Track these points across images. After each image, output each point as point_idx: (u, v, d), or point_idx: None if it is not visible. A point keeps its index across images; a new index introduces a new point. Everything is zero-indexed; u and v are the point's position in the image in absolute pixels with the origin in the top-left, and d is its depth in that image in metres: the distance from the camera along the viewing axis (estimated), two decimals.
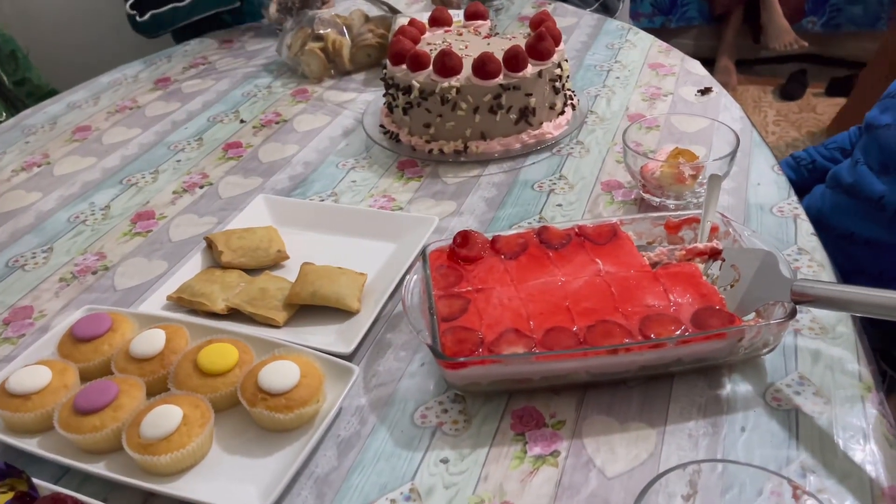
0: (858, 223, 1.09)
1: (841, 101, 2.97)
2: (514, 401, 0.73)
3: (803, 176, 1.34)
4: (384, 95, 1.21)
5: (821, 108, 3.06)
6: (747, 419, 0.69)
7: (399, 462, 0.68)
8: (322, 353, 0.75)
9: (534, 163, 1.12)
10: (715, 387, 0.72)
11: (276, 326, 0.82)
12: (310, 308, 0.84)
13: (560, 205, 1.02)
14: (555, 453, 0.67)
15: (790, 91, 3.15)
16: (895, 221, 1.04)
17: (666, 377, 0.73)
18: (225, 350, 0.73)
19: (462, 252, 0.82)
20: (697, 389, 0.72)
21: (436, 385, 0.75)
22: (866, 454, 0.65)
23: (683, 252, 0.81)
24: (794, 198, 0.99)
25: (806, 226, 0.94)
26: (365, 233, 0.96)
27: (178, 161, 1.20)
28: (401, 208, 1.03)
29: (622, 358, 0.69)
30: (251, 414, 0.69)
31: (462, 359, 0.69)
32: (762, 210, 0.97)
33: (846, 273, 0.93)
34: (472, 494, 0.64)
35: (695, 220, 0.85)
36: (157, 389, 0.72)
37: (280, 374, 0.69)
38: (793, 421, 0.68)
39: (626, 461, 0.66)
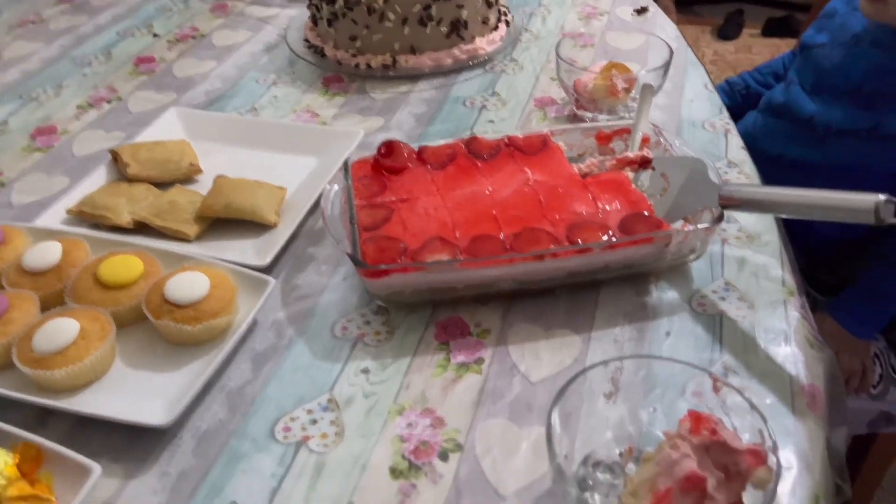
0: (788, 145, 1.09)
1: (776, 41, 3.00)
2: (439, 311, 0.70)
3: (737, 101, 1.33)
4: (308, 7, 1.14)
5: (756, 49, 3.09)
6: (672, 324, 0.68)
7: (317, 373, 0.65)
8: (236, 265, 0.70)
9: (466, 79, 1.08)
10: (642, 294, 0.71)
11: (187, 240, 0.77)
12: (224, 223, 0.79)
13: (492, 121, 0.98)
14: (479, 361, 0.65)
15: (727, 31, 3.17)
16: (824, 142, 1.04)
17: (593, 285, 0.72)
18: (128, 262, 0.68)
19: (386, 163, 0.78)
20: (624, 297, 0.71)
21: (358, 298, 0.72)
22: (788, 355, 0.65)
23: (614, 161, 0.79)
24: (726, 114, 0.98)
25: (736, 140, 0.93)
26: (285, 147, 0.90)
27: (84, 75, 1.11)
28: (325, 124, 0.98)
29: (549, 264, 0.67)
30: (157, 327, 0.65)
31: (383, 266, 0.66)
32: (694, 126, 0.96)
33: None
34: (393, 403, 0.62)
35: (626, 131, 0.83)
36: (54, 304, 0.67)
37: (188, 286, 0.65)
38: (717, 325, 0.68)
39: (550, 366, 0.64)
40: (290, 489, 0.55)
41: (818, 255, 1.21)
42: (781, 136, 1.11)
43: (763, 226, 0.79)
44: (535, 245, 0.67)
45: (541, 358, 0.65)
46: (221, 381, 0.64)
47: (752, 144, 1.06)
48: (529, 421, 0.60)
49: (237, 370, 0.65)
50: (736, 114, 1.18)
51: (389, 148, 0.78)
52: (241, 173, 0.83)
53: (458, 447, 0.58)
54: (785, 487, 0.54)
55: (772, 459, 0.47)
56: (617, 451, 0.56)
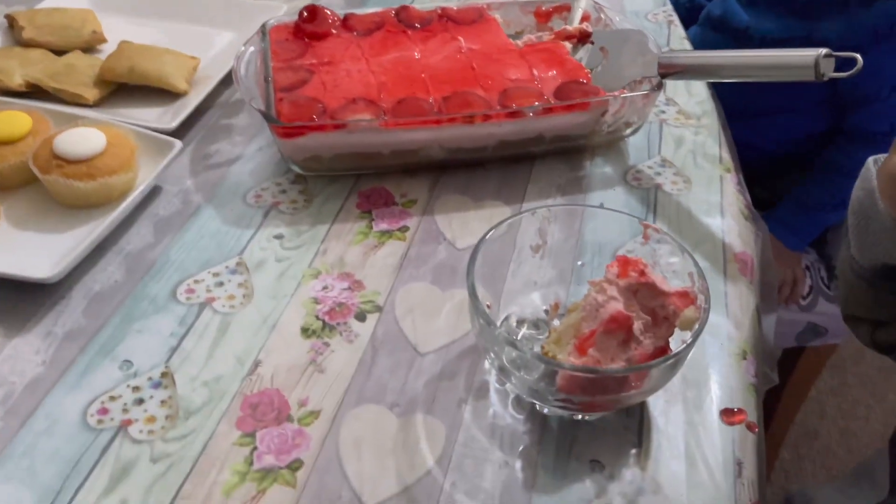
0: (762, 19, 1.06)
1: None
2: (362, 182, 0.66)
3: (682, 16, 1.30)
4: None
5: None
6: (605, 196, 0.65)
7: (226, 238, 0.60)
8: (138, 126, 0.64)
9: None
10: (576, 169, 0.68)
11: (87, 105, 0.70)
12: (129, 91, 0.72)
13: None
14: (403, 228, 0.61)
15: None
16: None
17: (526, 159, 0.68)
18: (15, 118, 0.61)
19: (308, 28, 0.72)
20: (558, 171, 0.68)
21: (275, 167, 0.67)
22: (721, 225, 0.63)
23: (552, 35, 0.75)
24: (669, 6, 0.95)
25: (679, 31, 0.91)
26: (202, 20, 0.83)
27: None
28: None
29: (479, 130, 0.63)
30: (47, 186, 0.59)
31: (299, 123, 0.60)
32: (637, 16, 0.93)
33: None
34: (307, 267, 0.57)
35: (566, 8, 0.79)
36: None
37: (81, 140, 0.59)
38: (652, 198, 0.65)
39: (478, 234, 0.60)
40: (191, 347, 0.51)
41: (754, 171, 1.20)
42: (720, 48, 1.08)
43: (702, 108, 0.77)
44: (465, 108, 0.63)
45: (469, 227, 0.62)
46: (119, 244, 0.59)
47: (727, 19, 1.03)
48: (453, 284, 0.56)
49: (137, 234, 0.60)
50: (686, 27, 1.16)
51: (312, 12, 0.73)
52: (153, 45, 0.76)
53: (377, 308, 0.54)
54: (713, 343, 0.52)
55: (700, 299, 0.45)
56: (543, 309, 0.53)
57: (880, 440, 1.51)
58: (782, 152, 1.13)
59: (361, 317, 0.54)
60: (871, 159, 0.50)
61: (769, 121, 1.09)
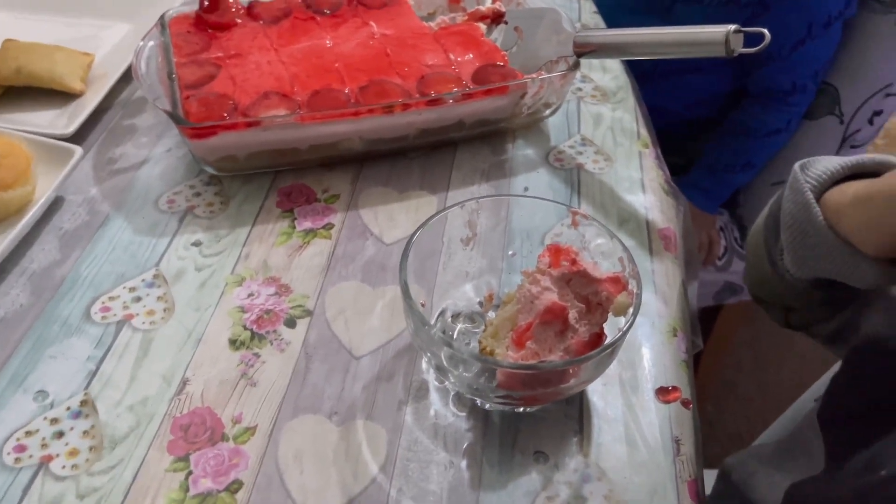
0: (639, 16, 1.08)
1: None
2: (281, 179, 0.63)
3: None
4: None
5: None
6: (529, 180, 0.65)
7: (140, 249, 0.56)
8: (32, 134, 0.59)
9: None
10: (498, 153, 0.68)
11: None
12: (18, 94, 0.67)
13: None
14: (328, 226, 0.59)
15: None
16: (672, 10, 1.03)
17: (448, 146, 0.67)
18: None
19: (211, 18, 0.68)
20: (481, 156, 0.67)
21: (186, 169, 0.64)
22: (643, 202, 0.64)
23: (466, 16, 0.73)
24: None
25: (589, 5, 0.91)
26: (92, 11, 0.78)
27: None
28: None
29: (399, 119, 0.62)
30: None
31: (210, 123, 0.57)
32: None
33: None
34: (230, 274, 0.55)
35: None
36: None
37: None
38: (574, 178, 0.65)
39: (405, 227, 0.60)
40: (111, 370, 0.48)
41: (667, 138, 1.23)
42: (633, 11, 1.09)
43: (617, 84, 0.78)
44: (383, 98, 0.61)
45: (395, 219, 0.60)
46: (22, 264, 0.54)
47: (608, 21, 1.04)
48: (384, 281, 0.55)
49: (41, 251, 0.56)
50: None
51: (214, 1, 0.69)
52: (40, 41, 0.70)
53: (307, 313, 0.53)
54: (645, 322, 0.53)
55: (632, 284, 0.45)
56: (477, 301, 0.53)
57: (794, 388, 1.60)
58: (691, 115, 1.16)
59: (291, 323, 0.52)
60: (797, 166, 0.47)
61: (676, 81, 1.11)
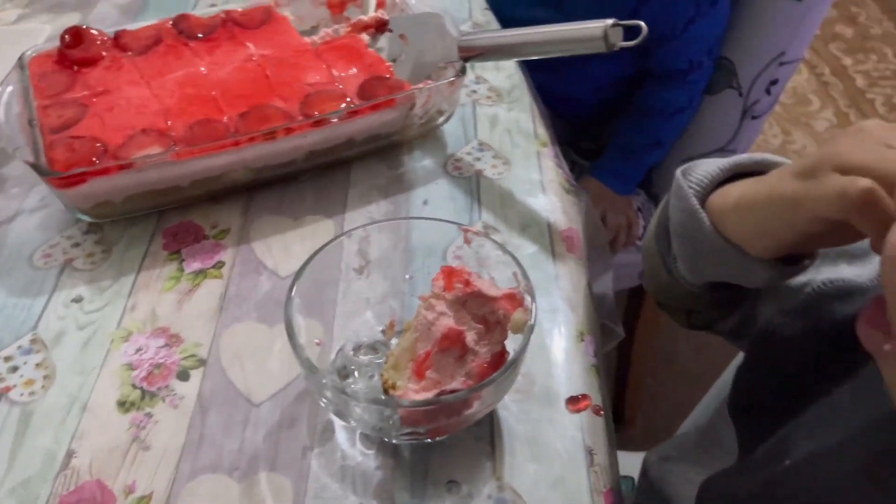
0: (532, 7, 1.07)
1: None
2: (166, 218, 0.60)
3: None
4: None
5: None
6: (429, 192, 0.63)
7: (14, 312, 0.53)
8: None
9: None
10: (395, 167, 0.66)
11: None
12: None
13: (214, 5, 0.86)
14: (218, 265, 0.57)
15: None
16: (560, 2, 1.03)
17: (342, 165, 0.65)
18: None
19: (74, 53, 0.64)
20: (376, 172, 0.65)
21: (62, 219, 0.60)
22: (544, 204, 0.63)
23: (349, 28, 0.71)
24: None
25: (480, 2, 0.89)
26: None
27: None
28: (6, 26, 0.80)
29: (284, 144, 0.59)
30: None
31: (78, 171, 0.54)
32: None
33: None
34: (116, 329, 0.52)
35: None
36: None
37: None
38: (474, 186, 0.64)
39: (301, 257, 0.56)
40: None
41: (578, 124, 1.23)
42: (524, 4, 1.08)
43: (512, 82, 0.76)
44: (264, 124, 0.59)
45: (290, 250, 0.58)
46: None
47: (500, 12, 1.03)
48: (282, 318, 0.52)
49: None
50: None
51: (76, 36, 0.65)
52: None
53: (201, 362, 0.50)
54: (552, 327, 0.52)
55: (527, 300, 0.44)
56: (379, 329, 0.51)
57: (727, 349, 1.64)
58: (599, 100, 1.16)
59: (184, 375, 0.49)
60: (678, 172, 0.46)
61: (581, 68, 1.11)
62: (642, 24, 0.56)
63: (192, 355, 0.50)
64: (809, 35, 1.02)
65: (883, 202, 0.31)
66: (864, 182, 0.32)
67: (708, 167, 0.44)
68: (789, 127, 2.17)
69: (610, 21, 0.55)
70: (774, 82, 1.05)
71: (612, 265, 0.81)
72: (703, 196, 0.43)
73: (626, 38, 0.57)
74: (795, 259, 0.41)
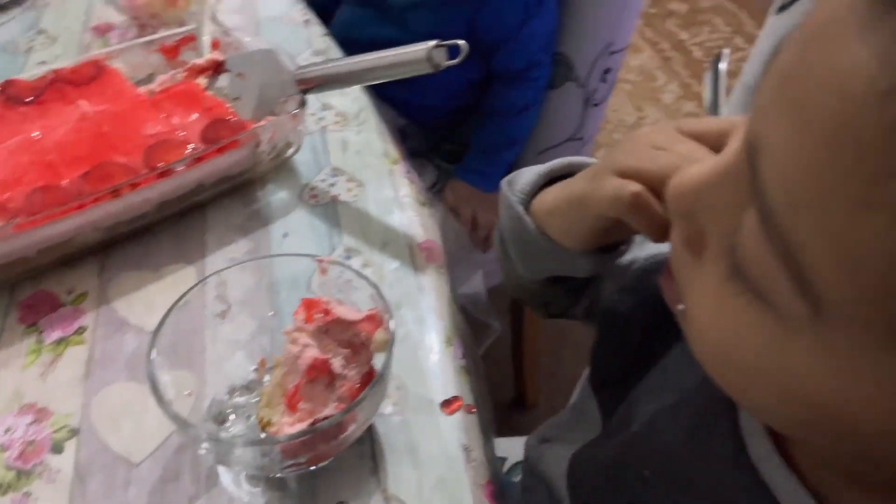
0: (376, 27, 1.10)
1: None
2: (19, 291, 0.59)
3: (328, 1, 1.32)
4: None
5: None
6: (288, 224, 0.65)
7: None
8: None
9: (2, 22, 0.90)
10: (250, 203, 0.67)
11: None
12: None
13: (44, 62, 0.83)
14: (79, 330, 0.56)
15: None
16: (403, 17, 1.07)
17: (196, 210, 0.65)
18: None
19: None
20: (233, 211, 0.66)
21: None
22: (401, 220, 0.65)
23: (185, 73, 0.71)
24: (302, 4, 0.95)
25: (318, 29, 0.91)
26: None
27: None
28: None
29: (132, 198, 0.59)
30: None
31: None
32: (274, 22, 0.92)
33: None
34: None
35: (191, 39, 0.75)
36: None
37: None
38: (332, 212, 0.66)
39: (166, 309, 0.57)
40: None
41: (438, 130, 1.27)
42: (369, 22, 1.12)
43: (359, 105, 0.79)
44: (108, 182, 0.58)
45: (154, 303, 0.58)
46: None
47: (348, 34, 1.05)
48: None
49: None
50: (332, 11, 1.17)
51: None
52: None
53: (73, 432, 0.49)
54: (421, 337, 0.55)
55: (387, 319, 0.47)
56: (252, 369, 0.52)
57: None
58: (454, 105, 1.21)
59: (58, 448, 0.49)
60: (503, 183, 0.50)
61: (432, 78, 1.15)
62: (461, 43, 0.59)
63: (64, 426, 0.50)
64: (632, 24, 1.10)
65: (649, 204, 0.36)
66: (634, 187, 0.36)
67: (528, 175, 0.48)
68: (640, 103, 2.31)
69: (432, 43, 0.59)
70: (608, 70, 1.13)
71: (479, 265, 0.85)
72: (528, 202, 0.47)
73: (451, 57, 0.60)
74: (613, 246, 0.46)
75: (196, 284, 0.49)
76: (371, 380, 0.46)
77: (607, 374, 0.52)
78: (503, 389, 1.48)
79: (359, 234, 0.64)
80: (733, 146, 0.27)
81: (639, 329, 0.48)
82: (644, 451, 0.42)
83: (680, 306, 0.32)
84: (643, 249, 0.50)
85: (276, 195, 0.68)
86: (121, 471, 0.47)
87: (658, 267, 0.48)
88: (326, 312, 0.46)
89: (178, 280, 0.60)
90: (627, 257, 0.49)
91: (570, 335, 1.66)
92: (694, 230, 0.29)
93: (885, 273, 0.19)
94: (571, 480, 0.48)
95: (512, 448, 0.70)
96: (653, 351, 0.47)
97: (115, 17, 0.90)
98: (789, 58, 0.23)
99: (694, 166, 0.29)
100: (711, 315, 0.28)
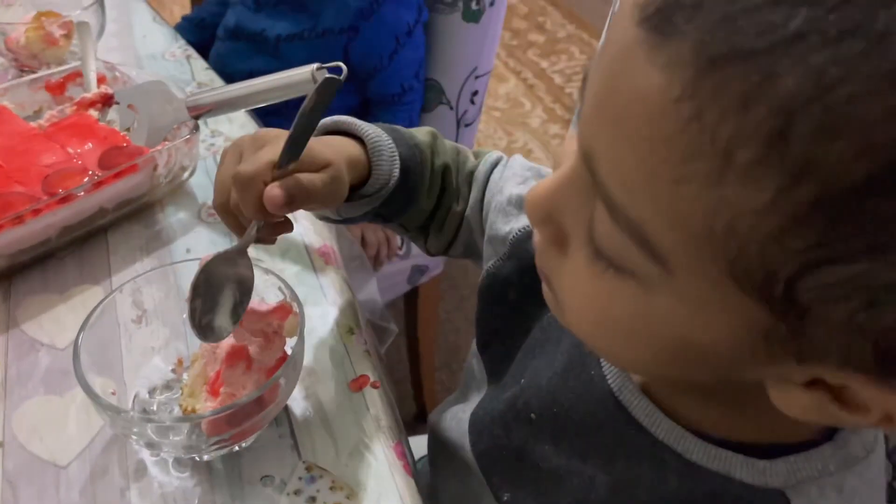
0: (252, 60, 1.15)
1: None
2: None
3: (205, 36, 1.35)
4: None
5: None
6: (189, 241, 0.69)
7: None
8: None
9: None
10: (151, 225, 0.70)
11: None
12: None
13: None
14: None
15: None
16: (278, 50, 1.12)
17: (98, 233, 0.68)
18: None
19: None
20: (135, 234, 0.69)
21: None
22: (298, 229, 0.70)
23: (74, 107, 0.74)
24: (182, 41, 0.99)
25: (200, 63, 0.96)
26: None
27: None
28: None
29: (34, 224, 0.61)
30: None
31: None
32: (155, 58, 0.95)
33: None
34: None
35: (77, 75, 0.78)
36: None
37: None
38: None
39: (76, 326, 0.59)
40: None
41: None
42: (244, 55, 1.16)
43: (245, 131, 0.84)
44: (8, 210, 0.60)
45: (63, 322, 0.60)
46: None
47: (225, 68, 1.10)
48: (70, 385, 0.55)
49: None
50: (207, 47, 1.21)
51: None
52: None
53: None
54: (325, 329, 0.61)
55: (295, 307, 0.52)
56: (169, 369, 0.56)
57: None
58: None
59: None
60: None
61: None
62: (342, 64, 0.66)
63: None
64: (493, 49, 1.21)
65: (221, 214, 0.51)
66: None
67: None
68: (510, 128, 2.45)
69: (315, 65, 0.65)
70: (475, 93, 1.23)
71: (372, 273, 0.92)
72: None
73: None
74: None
75: (113, 291, 0.52)
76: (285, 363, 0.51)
77: (490, 334, 0.58)
78: (405, 406, 1.53)
79: (259, 246, 0.68)
80: (571, 157, 0.33)
81: (517, 291, 0.55)
82: (528, 396, 0.50)
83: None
84: (518, 221, 0.57)
85: (176, 216, 0.71)
86: (49, 474, 0.50)
87: (529, 234, 0.56)
88: None
89: (85, 299, 0.62)
90: (506, 227, 0.56)
91: (463, 348, 1.74)
92: (555, 230, 0.35)
93: (703, 226, 0.26)
94: (472, 436, 0.55)
95: (417, 445, 0.75)
96: (531, 312, 0.54)
97: None
98: (598, 84, 0.29)
99: (542, 181, 0.36)
100: (585, 294, 0.34)
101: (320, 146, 0.52)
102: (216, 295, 0.49)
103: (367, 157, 0.56)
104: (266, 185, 0.48)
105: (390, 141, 0.57)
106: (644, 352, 0.34)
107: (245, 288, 0.50)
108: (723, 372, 0.33)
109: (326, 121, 0.58)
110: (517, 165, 0.60)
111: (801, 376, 0.30)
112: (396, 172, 0.56)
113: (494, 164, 0.62)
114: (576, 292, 0.35)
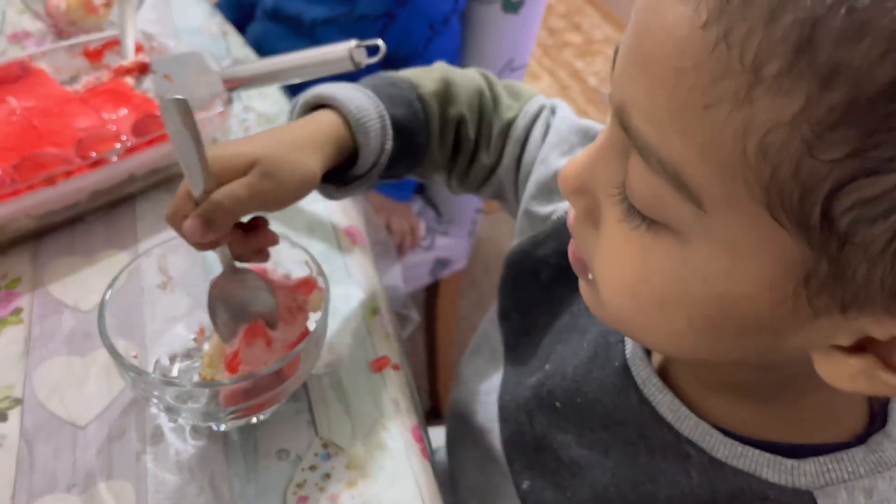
0: (288, 43, 1.14)
1: None
2: None
3: (235, 17, 1.35)
4: None
5: None
6: None
7: None
8: None
9: None
10: None
11: None
12: None
13: None
14: (16, 311, 0.58)
15: None
16: (314, 34, 1.12)
17: (126, 200, 0.68)
18: None
19: None
20: (163, 203, 0.69)
21: None
22: (325, 207, 0.70)
23: (111, 74, 0.74)
24: (220, 16, 0.99)
25: (236, 38, 0.96)
26: None
27: None
28: None
29: (65, 187, 0.61)
30: None
31: None
32: (191, 33, 0.95)
33: None
34: None
35: (115, 43, 0.78)
36: None
37: None
38: None
39: (101, 290, 0.59)
40: None
41: None
42: (280, 37, 1.16)
43: (279, 107, 0.84)
44: (41, 170, 0.61)
45: (89, 285, 0.60)
46: None
47: (260, 49, 1.10)
48: (92, 347, 0.56)
49: None
50: (244, 27, 1.21)
51: None
52: None
53: (17, 402, 0.51)
54: (349, 308, 0.60)
55: (321, 281, 0.51)
56: (191, 338, 0.56)
57: None
58: None
59: (2, 416, 0.50)
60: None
61: None
62: (380, 42, 0.65)
63: (7, 397, 0.51)
64: (530, 43, 1.20)
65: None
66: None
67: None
68: None
69: (353, 42, 0.64)
70: None
71: (396, 258, 0.91)
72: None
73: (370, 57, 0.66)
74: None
75: (140, 255, 0.52)
76: (307, 337, 0.51)
77: (511, 306, 0.56)
78: (419, 400, 1.53)
79: (287, 221, 0.68)
80: (601, 136, 0.34)
81: (550, 272, 0.53)
82: (553, 384, 0.49)
83: (590, 275, 0.37)
84: (563, 203, 0.55)
85: None
86: (67, 434, 0.50)
87: None
88: (264, 275, 0.51)
89: (111, 264, 0.62)
90: (547, 209, 0.55)
91: None
92: (588, 201, 0.35)
93: (734, 152, 0.26)
94: (501, 423, 0.54)
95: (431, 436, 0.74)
96: (563, 296, 0.52)
97: (31, 25, 0.91)
98: (630, 36, 0.30)
99: (574, 157, 0.36)
100: (619, 260, 0.34)
101: (237, 146, 0.49)
102: (237, 312, 0.50)
103: (351, 132, 0.52)
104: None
105: (377, 112, 0.53)
106: (680, 320, 0.33)
107: (263, 301, 0.50)
108: (762, 341, 0.32)
109: (306, 94, 0.54)
110: (564, 127, 0.56)
111: (846, 336, 0.29)
112: (389, 145, 0.53)
113: (535, 118, 0.58)
114: (610, 261, 0.34)
